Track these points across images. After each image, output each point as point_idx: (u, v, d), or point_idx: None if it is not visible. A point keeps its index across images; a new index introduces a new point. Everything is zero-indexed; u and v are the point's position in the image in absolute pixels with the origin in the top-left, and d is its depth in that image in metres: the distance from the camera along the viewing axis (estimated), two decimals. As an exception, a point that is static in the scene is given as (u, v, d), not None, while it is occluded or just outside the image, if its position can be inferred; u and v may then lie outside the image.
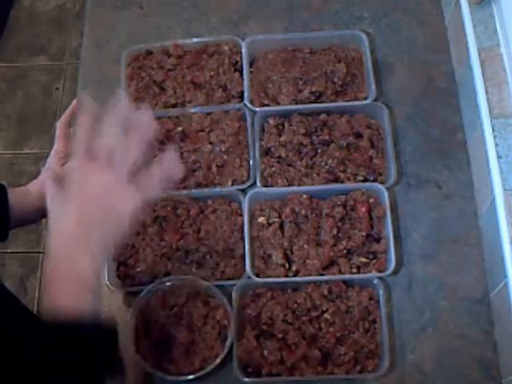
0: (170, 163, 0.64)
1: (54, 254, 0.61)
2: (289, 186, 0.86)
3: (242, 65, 0.94)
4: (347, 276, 0.81)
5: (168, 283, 0.81)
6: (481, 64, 0.82)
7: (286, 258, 0.82)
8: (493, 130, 0.79)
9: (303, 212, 0.84)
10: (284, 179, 0.87)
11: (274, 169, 0.87)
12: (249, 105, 0.90)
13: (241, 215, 0.85)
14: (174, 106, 0.94)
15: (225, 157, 0.88)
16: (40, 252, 1.82)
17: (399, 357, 0.79)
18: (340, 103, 0.91)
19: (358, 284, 0.81)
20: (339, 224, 0.83)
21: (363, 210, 0.83)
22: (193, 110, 0.92)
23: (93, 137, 0.62)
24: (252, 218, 0.85)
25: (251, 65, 0.95)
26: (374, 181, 0.86)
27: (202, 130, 0.91)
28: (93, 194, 0.62)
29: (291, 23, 1.00)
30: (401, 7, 1.00)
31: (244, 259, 0.82)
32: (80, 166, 0.62)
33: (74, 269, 0.60)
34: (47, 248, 0.61)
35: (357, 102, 0.90)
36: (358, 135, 0.89)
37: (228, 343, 0.77)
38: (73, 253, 0.60)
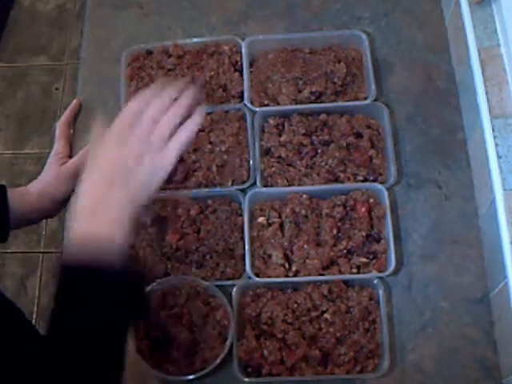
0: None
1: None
2: (289, 186, 0.86)
3: (241, 65, 0.94)
4: (347, 276, 0.81)
5: (168, 283, 0.81)
6: (481, 64, 0.82)
7: (286, 258, 0.82)
8: (493, 130, 0.79)
9: (303, 212, 0.84)
10: (284, 179, 0.87)
11: (273, 169, 0.87)
12: (249, 105, 0.90)
13: (241, 215, 0.85)
14: (174, 105, 0.93)
15: (225, 157, 0.88)
16: (40, 252, 1.83)
17: (399, 357, 0.79)
18: (340, 103, 0.91)
19: (358, 284, 0.81)
20: (339, 224, 0.83)
21: (363, 210, 0.83)
22: (193, 110, 0.92)
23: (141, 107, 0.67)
24: (252, 218, 0.85)
25: (251, 65, 0.95)
26: (374, 181, 0.86)
27: (202, 130, 0.91)
28: (127, 152, 0.66)
29: (291, 23, 1.00)
30: (401, 7, 1.00)
31: (244, 259, 0.82)
32: (121, 127, 0.67)
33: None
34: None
35: (357, 102, 0.90)
36: (358, 135, 0.89)
37: (228, 343, 0.77)
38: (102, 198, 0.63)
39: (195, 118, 0.70)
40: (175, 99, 0.68)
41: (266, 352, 0.78)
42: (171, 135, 0.67)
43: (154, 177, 0.67)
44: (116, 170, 0.65)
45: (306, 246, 0.82)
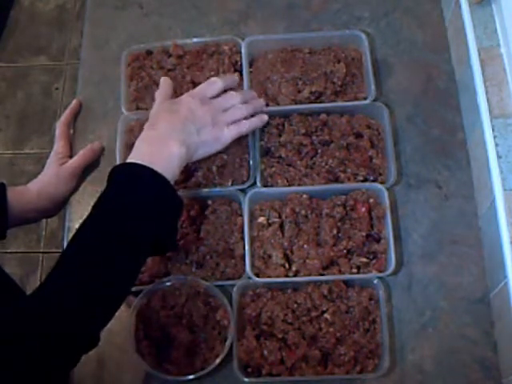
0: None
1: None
2: (289, 186, 0.86)
3: (241, 65, 0.94)
4: (347, 276, 0.81)
5: (168, 283, 0.81)
6: (481, 64, 0.82)
7: (286, 258, 0.82)
8: (493, 130, 0.79)
9: (303, 212, 0.84)
10: (284, 179, 0.87)
11: (274, 169, 0.87)
12: (249, 105, 0.90)
13: (241, 215, 0.85)
14: (174, 105, 0.93)
15: (225, 157, 0.88)
16: (40, 252, 1.82)
17: (399, 357, 0.79)
18: (340, 103, 0.91)
19: (358, 284, 0.81)
20: (339, 224, 0.83)
21: (363, 210, 0.83)
22: (193, 110, 0.92)
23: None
24: (252, 217, 0.85)
25: (251, 65, 0.95)
26: (374, 181, 0.86)
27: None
28: (197, 115, 0.77)
29: (291, 23, 1.00)
30: (401, 7, 1.00)
31: (244, 259, 0.82)
32: (203, 93, 0.80)
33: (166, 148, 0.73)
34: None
35: (356, 102, 0.90)
36: (358, 135, 0.89)
37: (228, 343, 0.77)
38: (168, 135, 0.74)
39: (261, 117, 0.83)
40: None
41: (266, 352, 0.78)
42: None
43: (206, 147, 0.78)
44: (180, 126, 0.75)
45: (306, 245, 0.82)
